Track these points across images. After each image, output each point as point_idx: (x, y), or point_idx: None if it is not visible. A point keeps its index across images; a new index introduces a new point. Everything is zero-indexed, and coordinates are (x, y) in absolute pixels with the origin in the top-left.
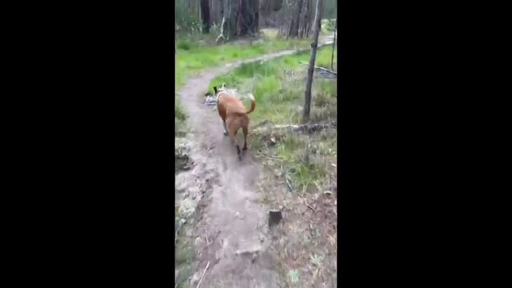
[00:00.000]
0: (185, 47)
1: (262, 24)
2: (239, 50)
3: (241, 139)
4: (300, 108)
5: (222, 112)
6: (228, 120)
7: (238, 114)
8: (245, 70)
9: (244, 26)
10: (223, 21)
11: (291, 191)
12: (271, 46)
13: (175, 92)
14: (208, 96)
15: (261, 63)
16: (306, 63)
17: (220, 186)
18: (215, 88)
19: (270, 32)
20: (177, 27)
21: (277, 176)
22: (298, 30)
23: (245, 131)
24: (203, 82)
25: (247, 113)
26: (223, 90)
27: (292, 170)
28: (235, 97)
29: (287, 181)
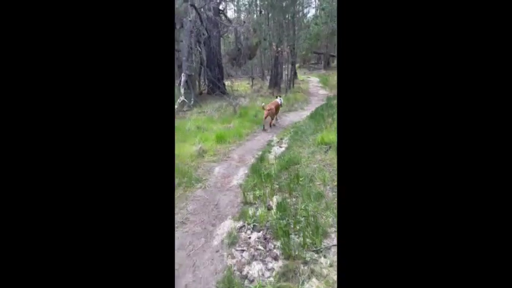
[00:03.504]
0: None
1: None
2: (220, 123)
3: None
4: None
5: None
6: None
7: (264, 108)
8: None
9: (212, 81)
10: (183, 78)
11: None
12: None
13: None
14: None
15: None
16: None
17: None
18: (276, 96)
19: (241, 86)
20: None
21: None
22: (282, 80)
23: (271, 118)
24: None
25: (267, 109)
26: (278, 100)
27: None
28: (277, 101)
29: None
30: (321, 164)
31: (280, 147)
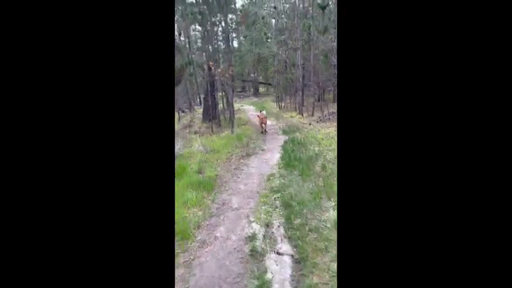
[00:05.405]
0: None
1: None
2: None
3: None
4: None
5: (258, 120)
6: (258, 120)
7: (259, 117)
8: None
9: None
10: None
11: None
12: (214, 154)
13: None
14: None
15: None
16: None
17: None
18: (260, 110)
19: None
20: None
21: None
22: (221, 110)
23: (264, 125)
24: None
25: (262, 118)
26: (263, 113)
27: None
28: (262, 113)
29: None
30: None
31: (278, 253)
